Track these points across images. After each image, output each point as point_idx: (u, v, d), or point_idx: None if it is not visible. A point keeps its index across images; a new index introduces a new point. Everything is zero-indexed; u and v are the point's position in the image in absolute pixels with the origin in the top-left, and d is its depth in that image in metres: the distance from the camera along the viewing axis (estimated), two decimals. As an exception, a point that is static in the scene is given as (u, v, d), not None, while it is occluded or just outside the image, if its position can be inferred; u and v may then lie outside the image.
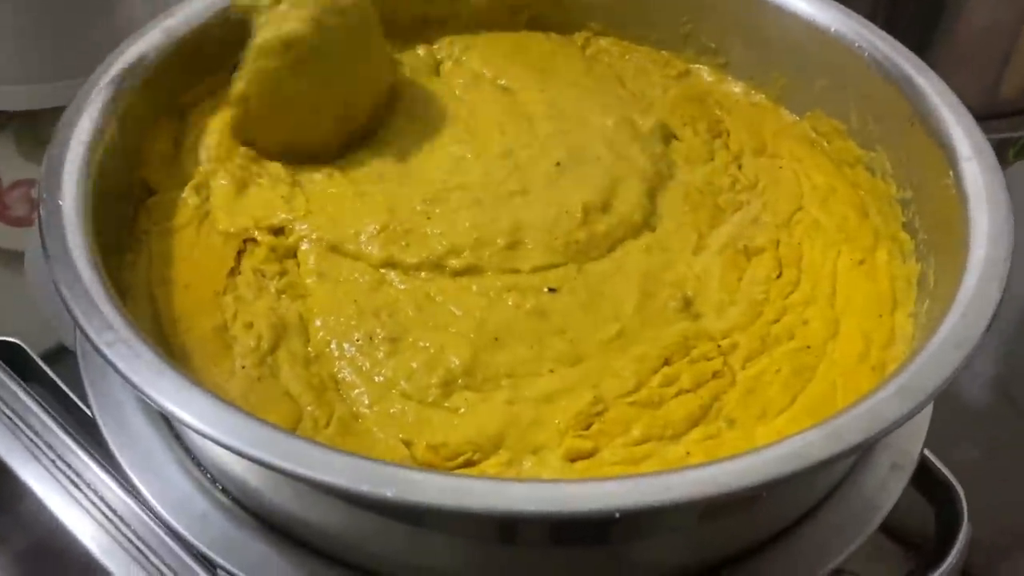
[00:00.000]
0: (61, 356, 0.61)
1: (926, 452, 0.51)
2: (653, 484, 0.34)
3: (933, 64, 0.55)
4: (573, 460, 0.44)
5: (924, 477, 0.53)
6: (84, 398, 0.48)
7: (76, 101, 0.49)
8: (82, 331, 0.38)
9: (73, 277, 0.40)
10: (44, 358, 0.58)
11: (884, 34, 0.57)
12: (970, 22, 0.70)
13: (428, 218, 0.53)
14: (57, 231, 0.42)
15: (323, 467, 0.34)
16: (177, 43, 0.54)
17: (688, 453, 0.44)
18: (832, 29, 0.58)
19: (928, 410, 0.50)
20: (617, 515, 0.33)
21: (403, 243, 0.52)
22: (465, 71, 0.64)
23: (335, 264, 0.51)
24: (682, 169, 0.58)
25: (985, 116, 0.74)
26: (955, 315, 0.41)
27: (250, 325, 0.48)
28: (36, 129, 0.80)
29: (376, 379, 0.46)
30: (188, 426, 0.35)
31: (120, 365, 0.37)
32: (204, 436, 0.35)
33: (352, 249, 0.52)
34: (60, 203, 0.43)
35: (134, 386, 0.36)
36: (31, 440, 0.47)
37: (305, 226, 0.53)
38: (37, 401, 0.49)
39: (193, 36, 0.54)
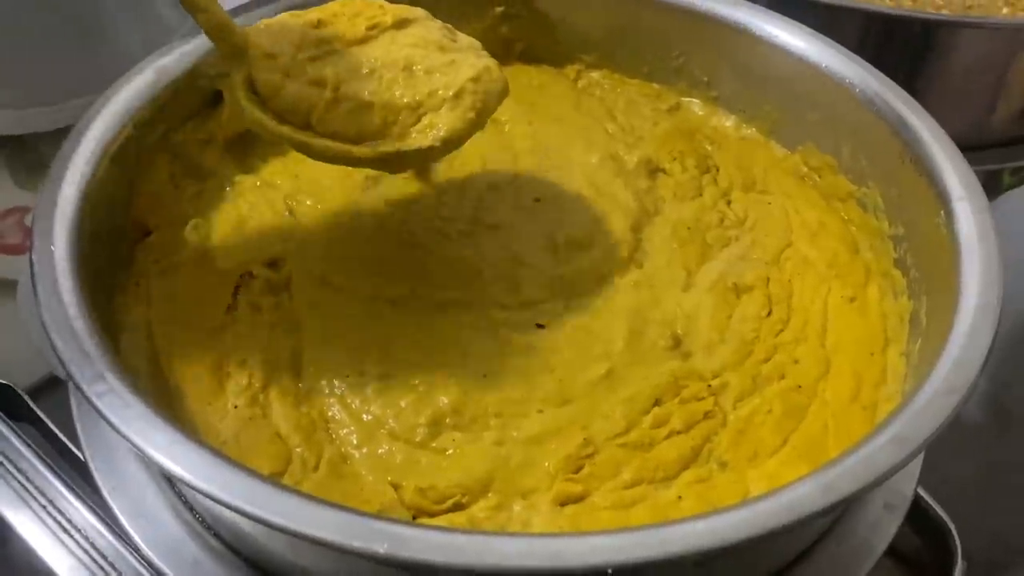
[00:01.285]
0: (53, 387, 0.61)
1: (919, 491, 0.51)
2: (647, 538, 0.34)
3: (923, 95, 0.55)
4: (563, 504, 0.44)
5: (918, 516, 0.53)
6: (75, 439, 0.47)
7: (69, 141, 0.49)
8: (74, 382, 0.38)
9: (65, 326, 0.40)
10: (36, 389, 0.57)
11: (875, 71, 0.57)
12: (960, 55, 0.70)
13: (412, 248, 0.54)
14: (48, 278, 0.42)
15: (316, 523, 0.34)
16: (170, 82, 0.54)
17: (680, 497, 0.44)
18: (823, 64, 0.58)
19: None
20: (610, 572, 0.33)
21: (390, 275, 0.52)
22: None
23: (327, 297, 0.51)
24: (670, 204, 0.58)
25: (976, 147, 0.75)
26: (947, 361, 0.41)
27: (243, 362, 0.48)
28: (30, 157, 0.80)
29: (365, 418, 0.46)
30: (180, 480, 0.35)
31: (111, 417, 0.37)
32: (197, 491, 0.35)
33: (341, 282, 0.52)
34: (52, 248, 0.43)
35: (126, 438, 0.36)
36: (21, 484, 0.47)
37: (297, 258, 0.53)
38: (28, 444, 0.49)
39: (186, 75, 0.54)
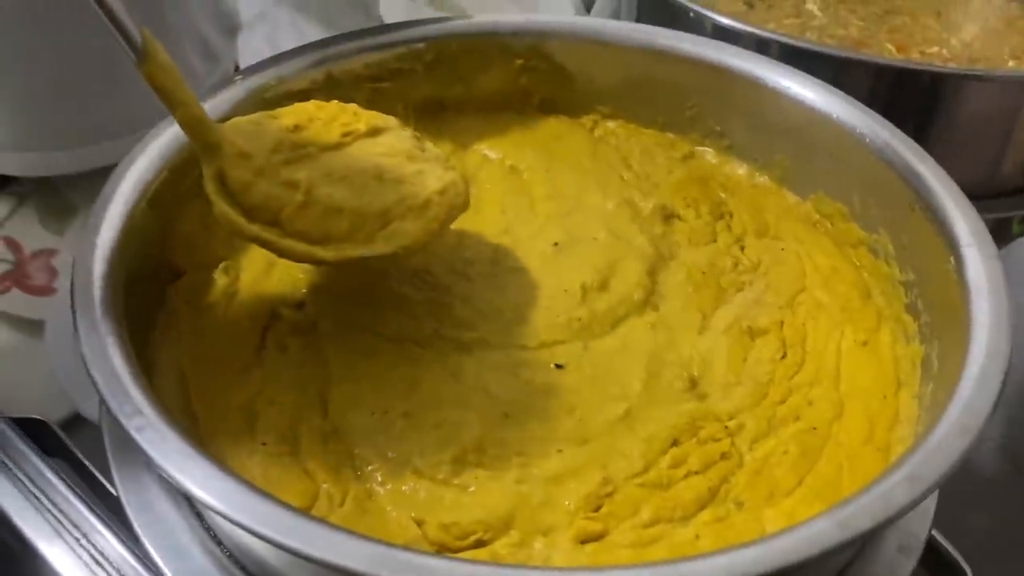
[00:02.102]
0: (83, 422, 0.62)
1: (934, 533, 0.51)
2: (666, 572, 0.35)
3: (932, 146, 0.57)
4: (583, 542, 0.44)
5: (932, 558, 0.53)
6: (107, 474, 0.49)
7: (109, 185, 0.51)
8: (113, 416, 0.39)
9: (105, 363, 0.41)
10: (64, 426, 0.59)
11: (885, 121, 0.59)
12: (968, 106, 0.72)
13: (435, 290, 0.55)
14: (89, 317, 0.43)
15: (346, 553, 0.35)
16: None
17: (697, 536, 0.45)
18: (834, 115, 0.60)
19: (934, 492, 0.50)
20: (632, 604, 0.34)
21: (413, 316, 0.54)
22: (476, 152, 0.66)
23: (352, 337, 0.53)
24: (684, 249, 0.60)
25: (985, 195, 0.77)
26: (959, 404, 0.42)
27: (272, 401, 0.50)
28: (58, 201, 0.82)
29: (390, 455, 0.47)
30: (218, 512, 0.36)
31: (150, 450, 0.38)
32: (232, 521, 0.36)
33: (366, 322, 0.53)
34: (92, 288, 0.45)
35: (164, 472, 0.38)
36: (55, 517, 0.48)
37: (323, 300, 0.55)
38: (62, 478, 0.50)
39: (218, 123, 0.56)
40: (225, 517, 0.36)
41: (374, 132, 0.53)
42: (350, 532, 0.36)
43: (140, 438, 0.38)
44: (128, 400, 0.40)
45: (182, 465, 0.38)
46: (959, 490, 0.52)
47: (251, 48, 0.92)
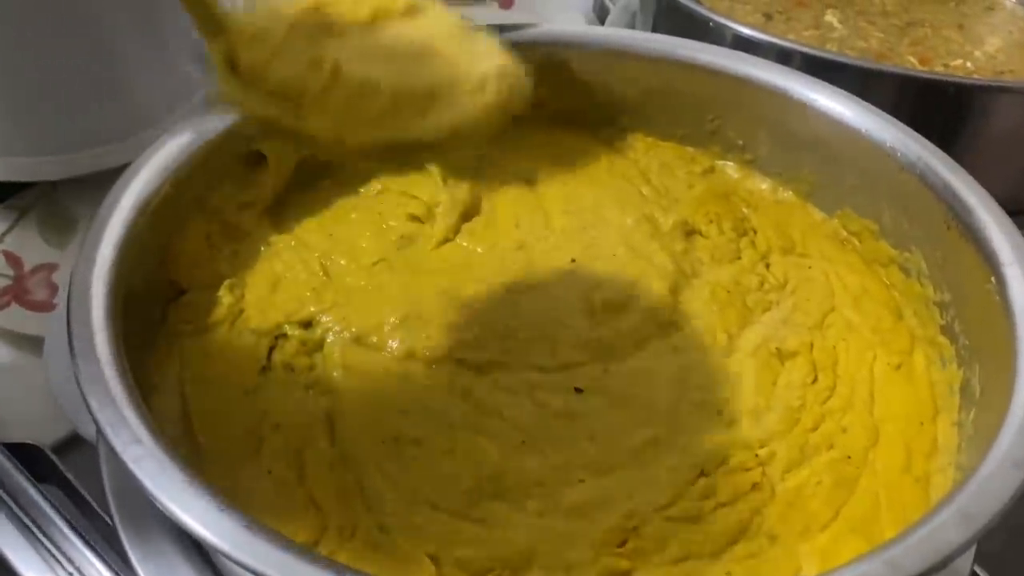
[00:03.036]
0: (79, 444, 0.60)
1: (976, 569, 0.49)
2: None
3: (959, 160, 0.55)
4: (609, 580, 0.42)
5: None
6: (103, 501, 0.46)
7: (107, 201, 0.49)
8: (110, 446, 0.37)
9: (102, 389, 0.39)
10: (62, 445, 0.56)
11: (915, 134, 0.56)
12: (994, 118, 0.70)
13: (445, 310, 0.53)
14: (85, 340, 0.41)
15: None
16: (207, 143, 0.53)
17: (729, 573, 0.43)
18: (862, 128, 0.57)
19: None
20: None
21: (423, 335, 0.51)
22: (491, 164, 0.64)
23: (360, 357, 0.51)
24: (707, 267, 0.58)
25: (1013, 211, 0.75)
26: (1009, 433, 0.39)
27: (277, 426, 0.47)
28: (59, 213, 0.81)
29: (401, 485, 0.45)
30: (218, 550, 0.34)
31: (147, 483, 0.36)
32: (234, 561, 0.34)
33: (375, 341, 0.51)
34: (89, 309, 0.42)
35: (162, 506, 0.35)
36: (47, 549, 0.45)
37: (330, 318, 0.52)
38: (54, 507, 0.48)
39: (223, 136, 0.54)
40: (226, 556, 0.34)
41: (411, 12, 0.44)
42: (354, 572, 0.34)
43: (137, 469, 0.36)
44: (125, 428, 0.37)
45: (181, 499, 0.35)
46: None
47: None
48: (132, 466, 0.36)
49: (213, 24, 0.41)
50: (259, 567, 0.34)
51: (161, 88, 0.77)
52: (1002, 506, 0.37)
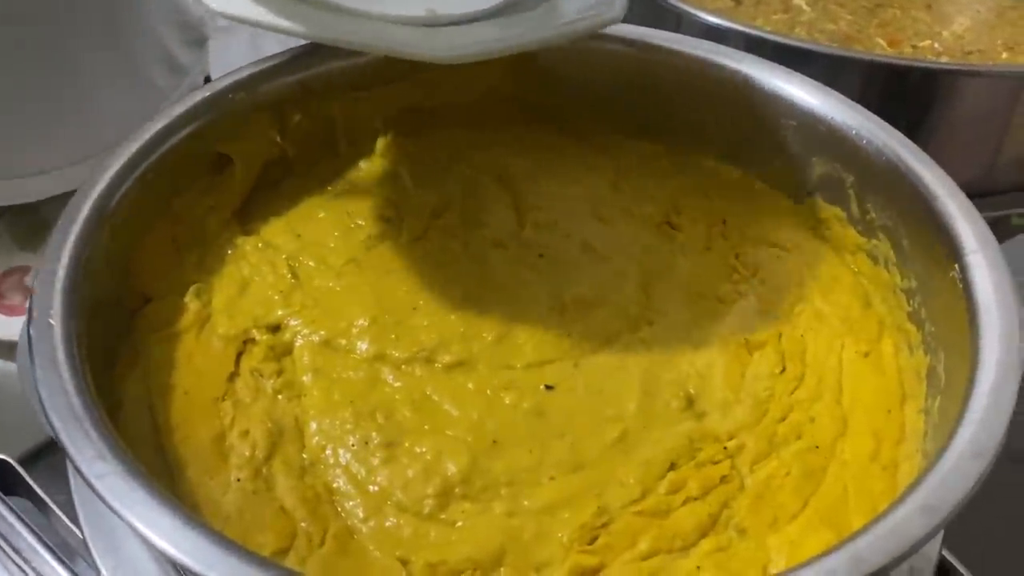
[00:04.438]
0: (50, 454, 0.59)
1: (944, 553, 0.49)
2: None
3: (926, 144, 0.54)
4: (579, 577, 0.42)
5: (942, 576, 0.51)
6: (73, 514, 0.46)
7: (68, 209, 0.48)
8: (74, 465, 0.37)
9: (64, 405, 0.38)
10: (31, 456, 0.56)
11: (881, 121, 0.56)
12: (962, 102, 0.70)
13: (414, 309, 0.53)
14: (47, 354, 0.41)
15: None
16: (172, 147, 0.53)
17: (699, 567, 0.43)
18: (829, 116, 0.57)
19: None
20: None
21: (392, 336, 0.51)
22: (460, 161, 0.64)
23: (329, 360, 0.51)
24: (679, 260, 0.58)
25: (982, 193, 0.75)
26: (971, 423, 0.40)
27: (246, 433, 0.47)
28: (31, 218, 0.80)
29: (371, 489, 0.45)
30: (186, 568, 0.34)
31: (112, 500, 0.36)
32: (198, 577, 0.34)
33: (344, 344, 0.51)
34: (51, 322, 0.42)
35: (128, 523, 0.35)
36: (17, 565, 0.45)
37: (298, 321, 0.52)
38: (23, 521, 0.47)
39: (187, 139, 0.54)
40: (193, 572, 0.34)
41: None
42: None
43: (101, 487, 0.36)
44: (89, 445, 0.37)
45: (147, 515, 0.35)
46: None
47: (234, 52, 0.89)
48: (96, 484, 0.36)
49: None
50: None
51: (133, 100, 0.76)
52: (963, 496, 0.37)
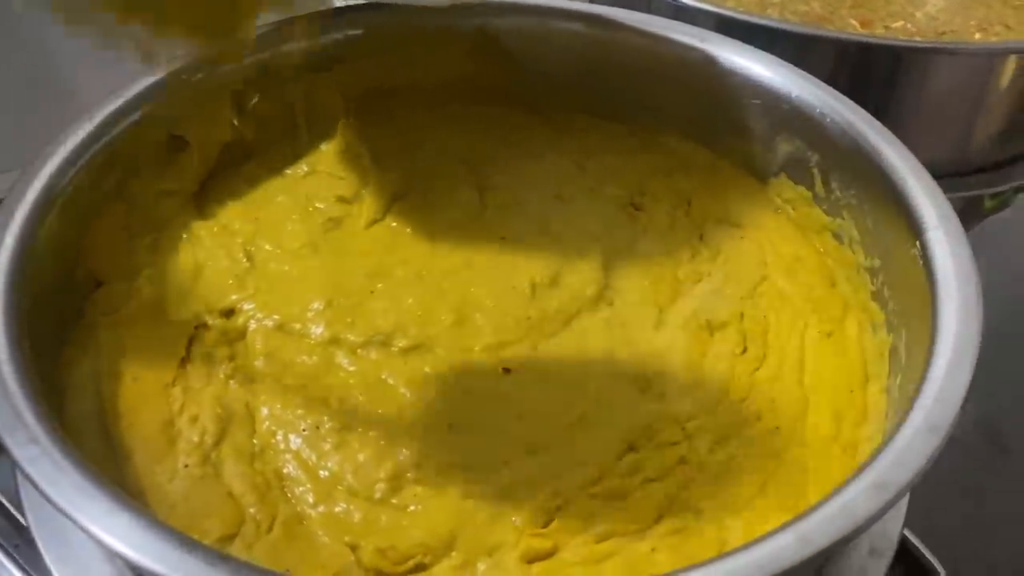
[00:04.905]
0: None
1: (906, 533, 0.49)
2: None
3: (899, 124, 0.54)
4: (531, 561, 0.41)
5: (905, 558, 0.51)
6: (17, 502, 0.45)
7: (15, 189, 0.47)
8: (5, 447, 0.36)
9: (-2, 386, 0.38)
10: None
11: (847, 100, 0.55)
12: (934, 81, 0.69)
13: (371, 293, 0.52)
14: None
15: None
16: (125, 128, 0.52)
17: (653, 550, 0.42)
18: (794, 95, 0.57)
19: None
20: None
21: (348, 320, 0.50)
22: (422, 144, 0.63)
23: (283, 345, 0.50)
24: (641, 241, 0.57)
25: (955, 173, 0.74)
26: (927, 399, 0.39)
27: (195, 418, 0.46)
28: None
29: (321, 474, 0.44)
30: (118, 554, 0.33)
31: (42, 483, 0.35)
32: (131, 564, 0.33)
33: (298, 328, 0.50)
34: (-13, 305, 0.41)
35: (57, 507, 0.34)
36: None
37: (252, 305, 0.51)
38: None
39: (142, 120, 0.53)
40: (126, 560, 0.33)
41: None
42: (263, 571, 0.33)
43: (32, 470, 0.35)
44: (21, 427, 0.36)
45: (79, 501, 0.34)
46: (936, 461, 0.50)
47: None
48: (27, 466, 0.35)
49: None
50: (161, 571, 0.33)
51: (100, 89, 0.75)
52: (915, 473, 0.36)
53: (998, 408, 0.73)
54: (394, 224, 0.57)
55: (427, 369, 0.49)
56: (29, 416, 0.37)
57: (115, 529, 0.34)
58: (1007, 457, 0.72)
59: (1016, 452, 0.73)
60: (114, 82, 0.75)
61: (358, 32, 0.62)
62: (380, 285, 0.53)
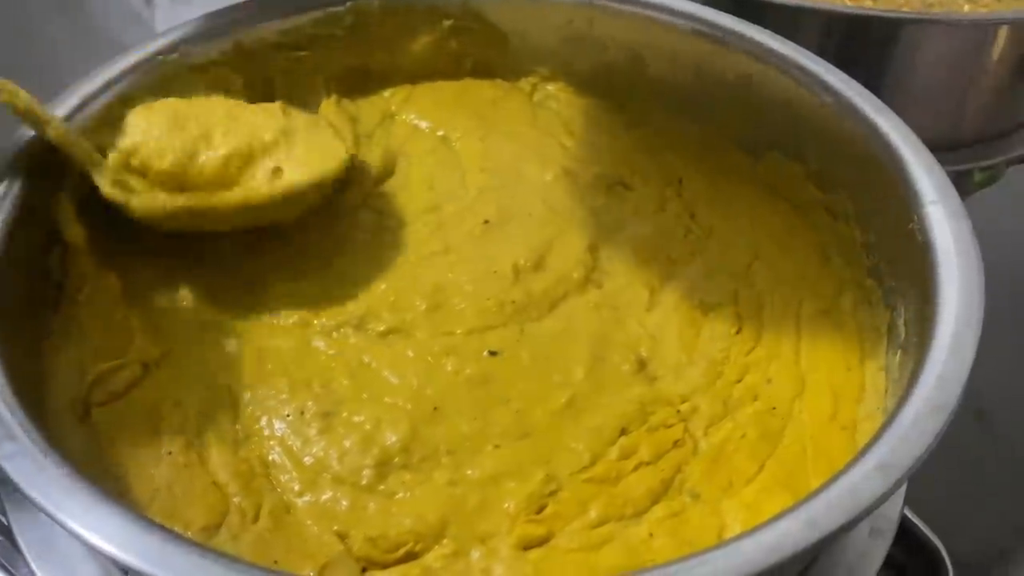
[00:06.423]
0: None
1: (907, 513, 0.48)
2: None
3: (888, 96, 0.53)
4: (526, 548, 0.40)
5: (905, 535, 0.50)
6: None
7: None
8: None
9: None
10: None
11: (840, 72, 0.54)
12: (923, 53, 0.68)
13: (352, 277, 0.51)
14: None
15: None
16: (94, 110, 0.50)
17: (651, 534, 0.41)
18: (786, 68, 0.56)
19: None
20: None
21: (316, 304, 0.49)
22: (405, 123, 0.61)
23: (262, 330, 0.48)
24: (631, 221, 0.56)
25: (944, 147, 0.73)
26: (929, 378, 0.38)
27: (178, 403, 0.45)
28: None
29: (307, 461, 0.43)
30: (101, 551, 0.32)
31: (21, 481, 0.33)
32: (113, 559, 0.32)
33: (266, 313, 0.49)
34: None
35: (36, 504, 0.33)
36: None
37: (228, 286, 0.50)
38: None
39: (110, 104, 0.51)
40: (109, 556, 0.32)
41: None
42: (247, 565, 0.32)
43: (10, 467, 0.34)
44: (-2, 423, 0.35)
45: (58, 498, 0.33)
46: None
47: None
48: (4, 463, 0.34)
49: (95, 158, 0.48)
50: (146, 568, 0.31)
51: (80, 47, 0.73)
52: (921, 453, 0.35)
53: (984, 381, 0.72)
54: (377, 209, 0.56)
55: (409, 352, 0.47)
56: (6, 410, 0.36)
57: (95, 525, 0.32)
58: (991, 429, 0.72)
59: (999, 424, 0.73)
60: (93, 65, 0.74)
61: (338, 10, 0.60)
62: (359, 271, 0.51)
